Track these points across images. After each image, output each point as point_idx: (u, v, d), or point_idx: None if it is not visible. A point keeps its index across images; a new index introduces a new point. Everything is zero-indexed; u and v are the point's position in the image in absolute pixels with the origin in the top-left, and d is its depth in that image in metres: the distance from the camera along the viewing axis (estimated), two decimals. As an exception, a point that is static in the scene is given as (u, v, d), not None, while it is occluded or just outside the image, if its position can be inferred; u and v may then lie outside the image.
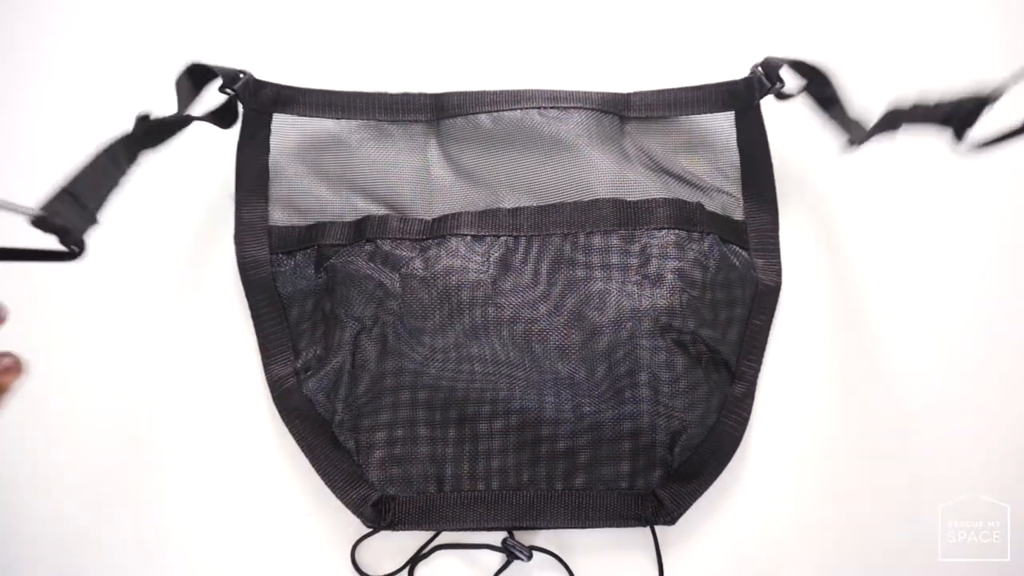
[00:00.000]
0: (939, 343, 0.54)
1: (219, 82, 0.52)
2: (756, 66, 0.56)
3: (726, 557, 0.51)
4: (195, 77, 0.51)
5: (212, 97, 0.53)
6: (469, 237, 0.52)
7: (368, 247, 0.52)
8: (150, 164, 0.56)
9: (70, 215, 0.37)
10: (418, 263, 0.51)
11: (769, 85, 0.55)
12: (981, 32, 0.60)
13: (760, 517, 0.52)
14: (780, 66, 0.55)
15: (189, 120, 0.50)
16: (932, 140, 0.57)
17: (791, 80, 0.54)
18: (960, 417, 0.53)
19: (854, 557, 0.51)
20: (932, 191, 0.57)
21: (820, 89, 0.52)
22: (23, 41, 0.60)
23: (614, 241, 0.52)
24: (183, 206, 0.56)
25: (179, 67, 0.50)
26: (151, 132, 0.47)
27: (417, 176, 0.55)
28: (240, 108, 0.55)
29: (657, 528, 0.50)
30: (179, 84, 0.50)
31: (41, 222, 0.36)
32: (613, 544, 0.51)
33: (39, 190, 0.56)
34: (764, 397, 0.53)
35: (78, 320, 0.54)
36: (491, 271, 0.51)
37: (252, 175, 0.54)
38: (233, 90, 0.53)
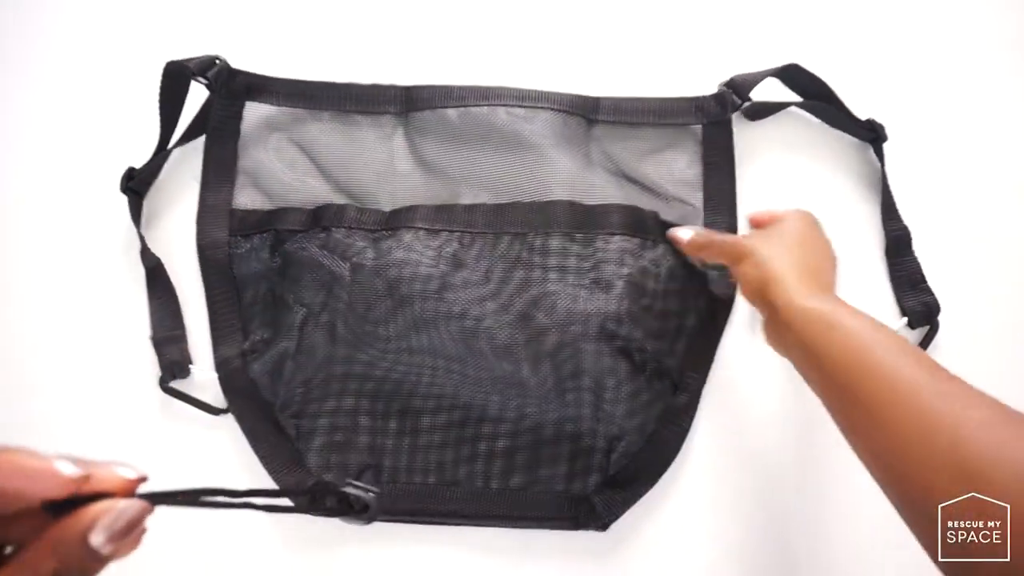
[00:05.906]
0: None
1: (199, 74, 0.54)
2: (722, 85, 0.56)
3: (665, 567, 0.51)
4: (174, 80, 0.53)
5: (194, 89, 0.54)
6: (423, 231, 0.52)
7: (322, 235, 0.52)
8: (117, 147, 0.57)
9: None
10: (370, 253, 0.51)
11: (739, 103, 0.55)
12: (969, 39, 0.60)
13: (706, 526, 0.51)
14: (754, 84, 0.55)
15: (169, 153, 0.55)
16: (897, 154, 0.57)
17: (779, 93, 0.55)
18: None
19: (854, 558, 0.50)
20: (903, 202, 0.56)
21: (817, 101, 0.55)
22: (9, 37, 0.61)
23: (567, 244, 0.51)
24: (151, 192, 0.57)
25: (157, 69, 0.52)
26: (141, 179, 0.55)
27: (381, 167, 0.55)
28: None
29: (591, 534, 0.50)
30: (162, 95, 0.53)
31: None
32: (564, 550, 0.51)
33: (37, 189, 0.57)
34: (709, 409, 0.52)
35: (40, 298, 0.55)
36: (442, 266, 0.51)
37: (220, 159, 0.55)
38: (206, 78, 0.54)
